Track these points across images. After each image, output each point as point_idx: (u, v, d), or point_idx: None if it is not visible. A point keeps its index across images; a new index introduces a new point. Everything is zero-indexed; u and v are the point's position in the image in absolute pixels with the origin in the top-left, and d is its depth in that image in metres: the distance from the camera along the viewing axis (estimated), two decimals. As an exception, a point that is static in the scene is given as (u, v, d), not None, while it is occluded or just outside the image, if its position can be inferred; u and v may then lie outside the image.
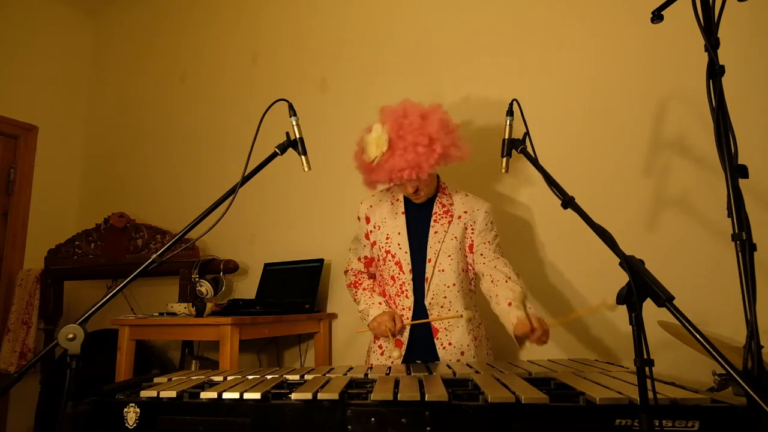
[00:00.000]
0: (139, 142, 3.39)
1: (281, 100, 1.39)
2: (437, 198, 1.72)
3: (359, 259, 1.83)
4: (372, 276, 1.83)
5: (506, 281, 1.57)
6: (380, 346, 1.71)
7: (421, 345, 1.64)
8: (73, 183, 3.59)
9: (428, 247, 1.66)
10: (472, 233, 1.69)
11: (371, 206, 1.78)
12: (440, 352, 1.62)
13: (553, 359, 1.44)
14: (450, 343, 1.62)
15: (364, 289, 1.77)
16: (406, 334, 1.64)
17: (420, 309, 1.64)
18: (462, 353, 1.62)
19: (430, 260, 1.65)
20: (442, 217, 1.69)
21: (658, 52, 1.88)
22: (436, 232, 1.67)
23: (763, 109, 1.69)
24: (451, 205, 1.71)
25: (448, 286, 1.64)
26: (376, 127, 1.56)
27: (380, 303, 1.68)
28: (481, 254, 1.68)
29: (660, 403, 0.87)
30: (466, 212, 1.70)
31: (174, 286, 2.77)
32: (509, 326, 1.45)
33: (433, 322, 1.64)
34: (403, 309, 1.65)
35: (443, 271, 1.64)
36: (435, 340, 1.62)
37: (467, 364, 1.39)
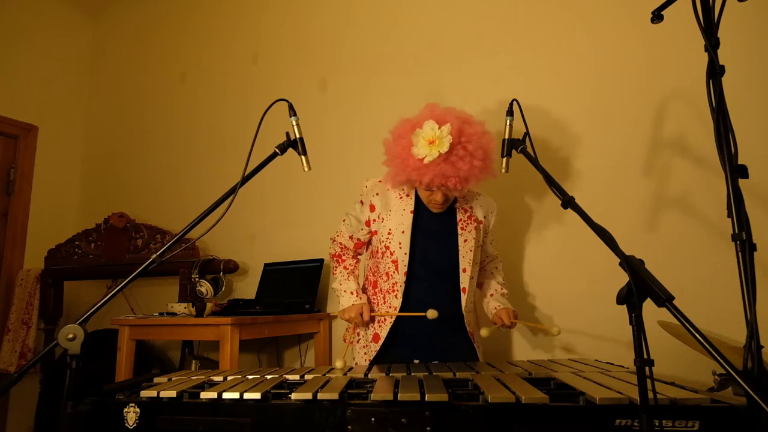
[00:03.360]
0: (139, 142, 3.39)
1: (281, 100, 1.39)
2: (459, 203, 1.67)
3: (351, 237, 1.76)
4: (356, 255, 1.81)
5: (492, 274, 1.82)
6: (358, 333, 1.72)
7: (437, 344, 1.62)
8: (73, 183, 3.59)
9: (461, 256, 1.61)
10: (485, 236, 1.74)
11: (378, 194, 1.66)
12: (479, 353, 1.68)
13: (553, 359, 1.44)
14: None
15: (344, 267, 1.75)
16: (384, 331, 1.61)
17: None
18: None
19: (464, 270, 1.61)
20: (468, 224, 1.65)
21: (658, 52, 1.88)
22: (465, 241, 1.63)
23: (763, 109, 1.69)
24: (472, 209, 1.68)
25: (474, 291, 1.70)
26: (430, 124, 1.44)
27: (352, 292, 1.67)
28: (486, 252, 1.78)
29: (660, 403, 0.87)
30: (485, 217, 1.70)
31: (174, 286, 2.77)
32: (489, 312, 1.73)
33: (468, 328, 1.64)
34: (390, 307, 1.62)
35: (473, 278, 1.65)
36: (474, 344, 1.67)
37: (467, 364, 1.39)
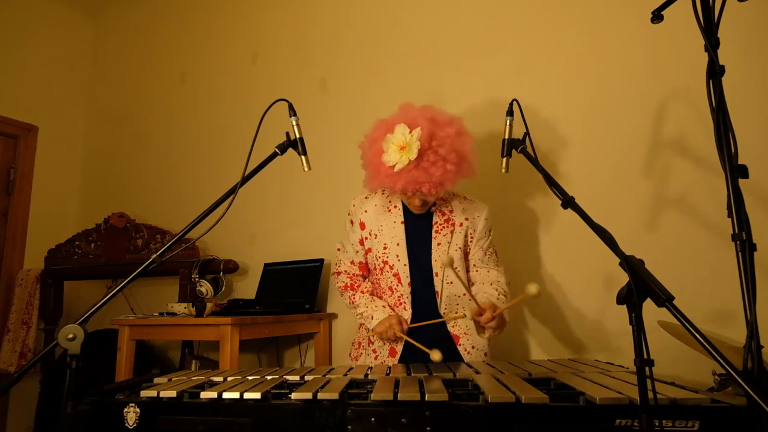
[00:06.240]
0: (139, 142, 3.39)
1: (281, 100, 1.39)
2: (437, 206, 1.65)
3: (352, 262, 1.75)
4: (366, 279, 1.76)
5: (490, 284, 1.59)
6: (374, 351, 1.65)
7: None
8: (73, 183, 3.59)
9: (433, 260, 1.60)
10: (471, 241, 1.66)
11: (366, 211, 1.67)
12: (466, 357, 1.59)
13: (553, 359, 1.44)
14: (473, 347, 1.60)
15: (362, 292, 1.68)
16: (401, 345, 1.59)
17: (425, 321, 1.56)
18: (486, 354, 1.62)
19: (437, 274, 1.60)
20: (443, 227, 1.63)
21: (659, 52, 1.88)
22: (439, 244, 1.61)
23: (763, 109, 1.69)
24: (451, 212, 1.65)
25: (459, 296, 1.62)
26: (402, 128, 1.41)
27: (384, 306, 1.60)
28: (474, 264, 1.66)
29: (660, 403, 0.87)
30: (467, 219, 1.65)
31: (174, 286, 2.77)
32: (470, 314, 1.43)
33: (451, 331, 1.61)
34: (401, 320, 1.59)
35: (452, 283, 1.60)
36: (458, 346, 1.60)
37: (467, 364, 1.39)
